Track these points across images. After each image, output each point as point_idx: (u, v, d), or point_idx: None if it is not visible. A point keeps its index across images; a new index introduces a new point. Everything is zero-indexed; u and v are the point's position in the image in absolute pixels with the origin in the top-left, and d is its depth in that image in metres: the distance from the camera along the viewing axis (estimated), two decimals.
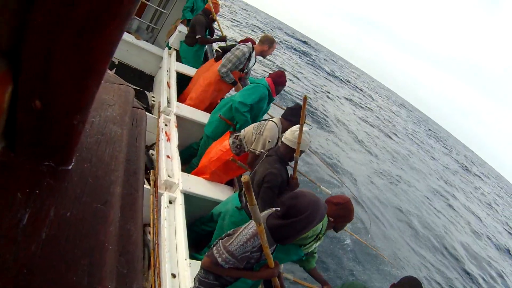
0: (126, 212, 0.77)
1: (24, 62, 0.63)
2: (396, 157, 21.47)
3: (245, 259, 2.49)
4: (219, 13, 6.84)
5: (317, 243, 3.41)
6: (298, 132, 3.35)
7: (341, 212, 3.14)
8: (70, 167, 0.72)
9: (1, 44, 0.63)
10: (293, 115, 4.12)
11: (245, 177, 1.88)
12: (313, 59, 42.71)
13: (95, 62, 0.63)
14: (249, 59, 5.27)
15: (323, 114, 19.69)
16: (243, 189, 3.75)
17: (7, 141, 0.70)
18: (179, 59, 6.59)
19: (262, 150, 3.97)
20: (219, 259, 2.48)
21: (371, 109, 33.01)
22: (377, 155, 19.21)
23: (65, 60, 0.62)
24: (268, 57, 5.92)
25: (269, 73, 4.94)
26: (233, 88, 5.48)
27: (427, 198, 18.11)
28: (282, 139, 3.57)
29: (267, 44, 5.31)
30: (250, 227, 2.50)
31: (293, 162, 3.63)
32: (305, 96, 3.24)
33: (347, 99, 29.45)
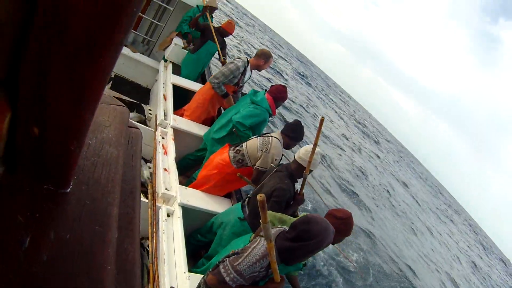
0: (123, 232, 0.79)
1: (21, 91, 0.66)
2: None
3: (253, 278, 2.52)
4: (233, 33, 6.96)
5: None
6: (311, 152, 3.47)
7: (341, 226, 3.16)
8: (68, 190, 0.75)
9: None
10: (293, 131, 4.21)
11: (261, 195, 1.92)
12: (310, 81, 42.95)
13: (89, 89, 0.66)
14: (243, 73, 5.29)
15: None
16: (246, 199, 3.81)
17: (7, 165, 0.73)
18: (175, 71, 6.65)
19: (268, 168, 4.03)
20: (227, 278, 2.50)
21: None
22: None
23: (60, 88, 0.65)
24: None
25: (270, 86, 4.94)
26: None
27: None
28: (296, 157, 3.69)
29: (263, 59, 5.32)
30: (259, 247, 2.53)
31: (301, 179, 3.73)
32: (322, 117, 3.34)
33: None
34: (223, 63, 6.56)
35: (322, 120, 3.35)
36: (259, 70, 5.60)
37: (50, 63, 0.62)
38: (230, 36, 7.24)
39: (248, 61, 5.34)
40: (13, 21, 0.62)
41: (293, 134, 4.21)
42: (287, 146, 4.30)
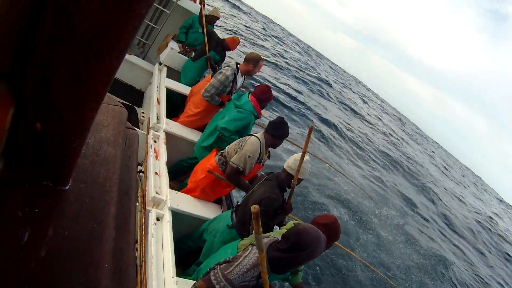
0: (120, 231, 0.80)
1: (26, 86, 0.67)
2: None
3: (243, 287, 2.51)
4: (235, 49, 6.97)
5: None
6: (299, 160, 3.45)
7: (329, 232, 3.15)
8: (67, 187, 0.75)
9: (3, 68, 0.67)
10: (275, 130, 4.15)
11: (255, 207, 1.92)
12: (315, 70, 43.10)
13: (93, 90, 0.67)
14: (234, 80, 5.27)
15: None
16: (236, 207, 3.80)
17: (7, 160, 0.73)
18: (169, 75, 6.63)
19: (239, 164, 3.99)
20: (217, 286, 2.49)
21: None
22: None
23: (65, 85, 0.66)
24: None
25: (255, 86, 4.89)
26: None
27: None
28: (285, 167, 3.66)
29: (252, 63, 5.27)
30: (251, 257, 2.53)
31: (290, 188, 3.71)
32: (311, 125, 3.34)
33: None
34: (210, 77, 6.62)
35: (311, 128, 3.34)
36: (250, 75, 5.54)
37: (56, 60, 0.63)
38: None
39: (237, 67, 5.32)
40: (20, 17, 0.63)
41: (276, 132, 4.16)
42: (273, 145, 4.25)
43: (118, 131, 1.02)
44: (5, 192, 0.68)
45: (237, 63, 5.36)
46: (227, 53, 7.01)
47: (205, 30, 6.54)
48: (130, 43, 0.64)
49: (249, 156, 4.00)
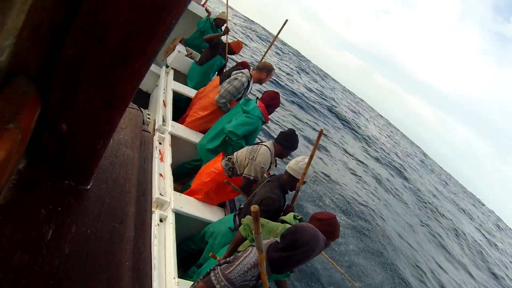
0: (137, 231, 0.82)
1: (53, 89, 0.69)
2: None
3: (243, 287, 2.52)
4: (239, 53, 7.11)
5: None
6: (302, 163, 3.47)
7: (325, 228, 3.08)
8: (88, 187, 0.77)
9: (31, 69, 0.69)
10: (286, 140, 4.19)
11: (255, 207, 1.93)
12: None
13: (120, 95, 0.69)
14: (247, 87, 5.33)
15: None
16: (239, 210, 3.81)
17: (30, 158, 0.75)
18: (176, 78, 6.66)
19: (255, 175, 4.01)
20: (217, 286, 2.50)
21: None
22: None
23: (91, 91, 0.68)
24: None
25: (263, 92, 4.95)
26: None
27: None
28: (286, 168, 3.68)
29: (265, 72, 5.37)
30: (251, 257, 2.54)
31: (293, 190, 3.72)
32: (321, 129, 3.36)
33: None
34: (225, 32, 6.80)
35: (321, 132, 3.37)
36: (261, 83, 5.64)
37: (85, 64, 0.65)
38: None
39: (251, 74, 5.38)
40: (51, 21, 0.65)
41: (286, 143, 4.20)
42: (280, 155, 4.30)
43: (135, 134, 1.04)
44: (28, 190, 0.70)
45: (249, 71, 5.42)
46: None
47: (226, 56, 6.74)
48: (158, 50, 0.67)
49: (262, 167, 4.06)
